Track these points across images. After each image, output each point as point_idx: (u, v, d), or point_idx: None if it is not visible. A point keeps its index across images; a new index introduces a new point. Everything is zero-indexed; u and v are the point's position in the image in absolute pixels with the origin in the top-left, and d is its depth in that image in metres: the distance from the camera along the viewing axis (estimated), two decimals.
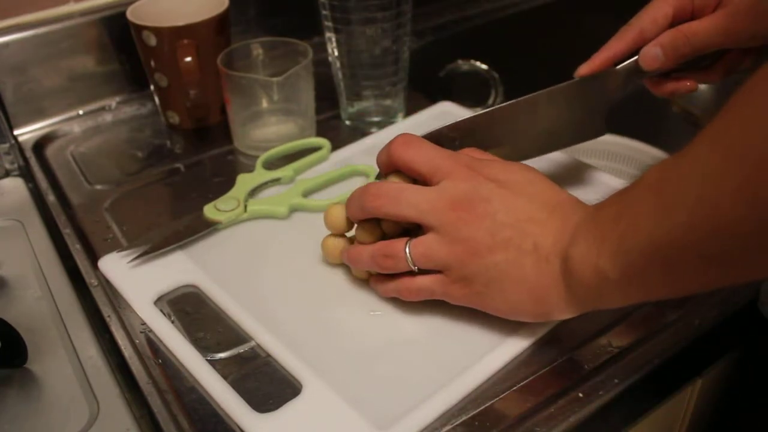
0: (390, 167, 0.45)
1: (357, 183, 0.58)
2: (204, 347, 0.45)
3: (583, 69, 0.51)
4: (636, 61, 0.50)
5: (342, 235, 0.50)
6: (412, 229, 0.45)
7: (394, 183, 0.44)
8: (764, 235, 0.28)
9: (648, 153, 0.64)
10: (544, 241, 0.39)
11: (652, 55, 0.49)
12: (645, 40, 0.49)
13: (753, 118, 0.28)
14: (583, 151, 0.76)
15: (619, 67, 0.51)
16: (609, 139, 0.75)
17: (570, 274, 0.38)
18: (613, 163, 0.75)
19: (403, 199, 0.42)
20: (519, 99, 0.50)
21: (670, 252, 0.32)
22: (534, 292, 0.40)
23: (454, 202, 0.41)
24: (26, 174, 0.65)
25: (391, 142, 0.44)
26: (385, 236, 0.46)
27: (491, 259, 0.40)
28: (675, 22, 0.49)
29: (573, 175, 0.59)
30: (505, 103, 0.50)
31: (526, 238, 0.40)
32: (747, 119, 0.28)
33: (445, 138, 0.49)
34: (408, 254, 0.42)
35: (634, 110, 0.73)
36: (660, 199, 0.32)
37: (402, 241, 0.43)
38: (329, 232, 0.50)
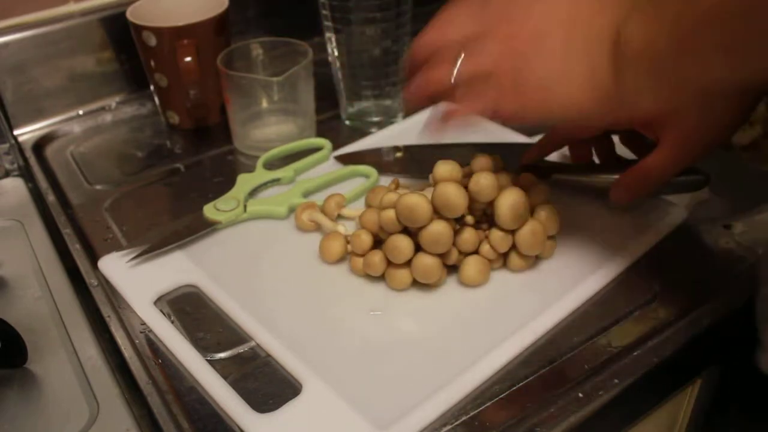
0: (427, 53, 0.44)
1: (357, 183, 0.58)
2: (204, 347, 0.45)
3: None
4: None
5: (341, 235, 0.50)
6: (414, 232, 0.46)
7: (434, 20, 0.43)
8: None
9: None
10: (593, 21, 0.38)
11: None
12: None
13: None
14: None
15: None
16: None
17: (623, 52, 0.36)
18: None
19: (451, 20, 0.42)
20: None
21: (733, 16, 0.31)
22: (581, 68, 0.38)
23: (492, 8, 0.41)
24: (26, 174, 0.65)
25: (423, 32, 0.44)
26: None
27: (542, 52, 0.39)
28: None
29: None
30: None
31: (575, 22, 0.38)
32: None
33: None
34: (453, 72, 0.41)
35: None
36: None
37: (447, 62, 0.42)
38: (327, 233, 0.51)
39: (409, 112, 0.67)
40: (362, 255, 0.48)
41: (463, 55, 0.41)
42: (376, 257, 0.47)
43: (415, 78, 0.43)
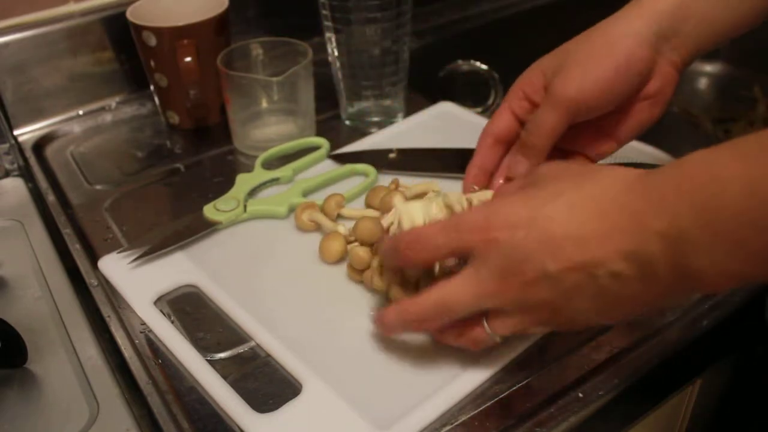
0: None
1: (356, 182, 0.58)
2: (204, 347, 0.45)
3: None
4: None
5: (341, 235, 0.50)
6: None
7: (432, 297, 0.38)
8: None
9: (648, 153, 0.64)
10: (618, 262, 0.33)
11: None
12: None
13: None
14: None
15: None
16: None
17: (695, 284, 0.32)
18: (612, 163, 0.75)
19: (454, 306, 0.38)
20: None
21: None
22: (638, 306, 0.35)
23: (498, 278, 0.36)
24: (26, 174, 0.65)
25: (397, 251, 0.40)
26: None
27: (575, 307, 0.35)
28: None
29: None
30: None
31: (595, 272, 0.34)
32: None
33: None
34: (492, 334, 0.39)
35: None
36: None
37: (479, 325, 0.39)
38: (327, 233, 0.51)
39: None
40: (363, 270, 0.47)
41: (487, 322, 0.38)
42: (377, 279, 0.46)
43: (456, 341, 0.41)
